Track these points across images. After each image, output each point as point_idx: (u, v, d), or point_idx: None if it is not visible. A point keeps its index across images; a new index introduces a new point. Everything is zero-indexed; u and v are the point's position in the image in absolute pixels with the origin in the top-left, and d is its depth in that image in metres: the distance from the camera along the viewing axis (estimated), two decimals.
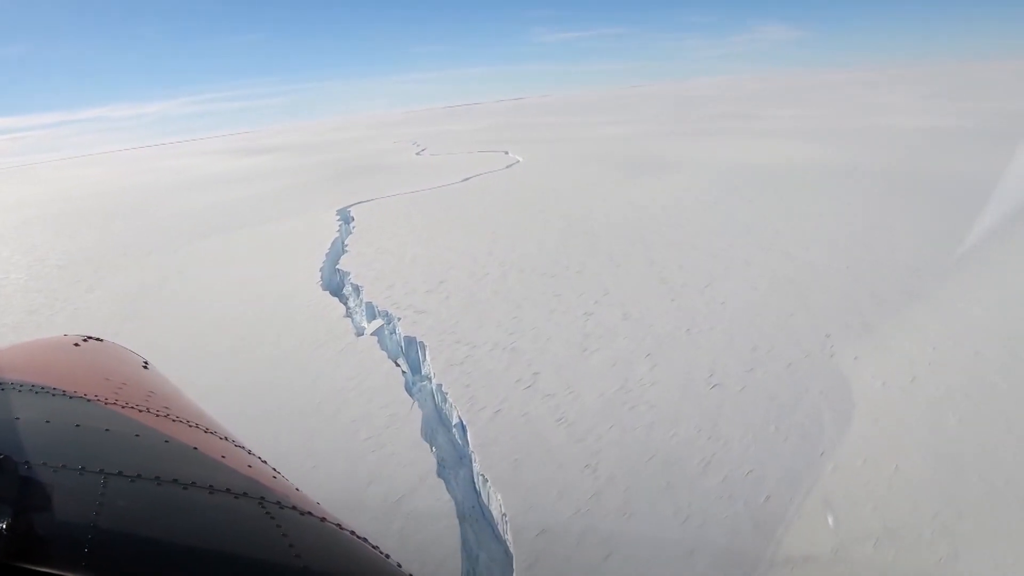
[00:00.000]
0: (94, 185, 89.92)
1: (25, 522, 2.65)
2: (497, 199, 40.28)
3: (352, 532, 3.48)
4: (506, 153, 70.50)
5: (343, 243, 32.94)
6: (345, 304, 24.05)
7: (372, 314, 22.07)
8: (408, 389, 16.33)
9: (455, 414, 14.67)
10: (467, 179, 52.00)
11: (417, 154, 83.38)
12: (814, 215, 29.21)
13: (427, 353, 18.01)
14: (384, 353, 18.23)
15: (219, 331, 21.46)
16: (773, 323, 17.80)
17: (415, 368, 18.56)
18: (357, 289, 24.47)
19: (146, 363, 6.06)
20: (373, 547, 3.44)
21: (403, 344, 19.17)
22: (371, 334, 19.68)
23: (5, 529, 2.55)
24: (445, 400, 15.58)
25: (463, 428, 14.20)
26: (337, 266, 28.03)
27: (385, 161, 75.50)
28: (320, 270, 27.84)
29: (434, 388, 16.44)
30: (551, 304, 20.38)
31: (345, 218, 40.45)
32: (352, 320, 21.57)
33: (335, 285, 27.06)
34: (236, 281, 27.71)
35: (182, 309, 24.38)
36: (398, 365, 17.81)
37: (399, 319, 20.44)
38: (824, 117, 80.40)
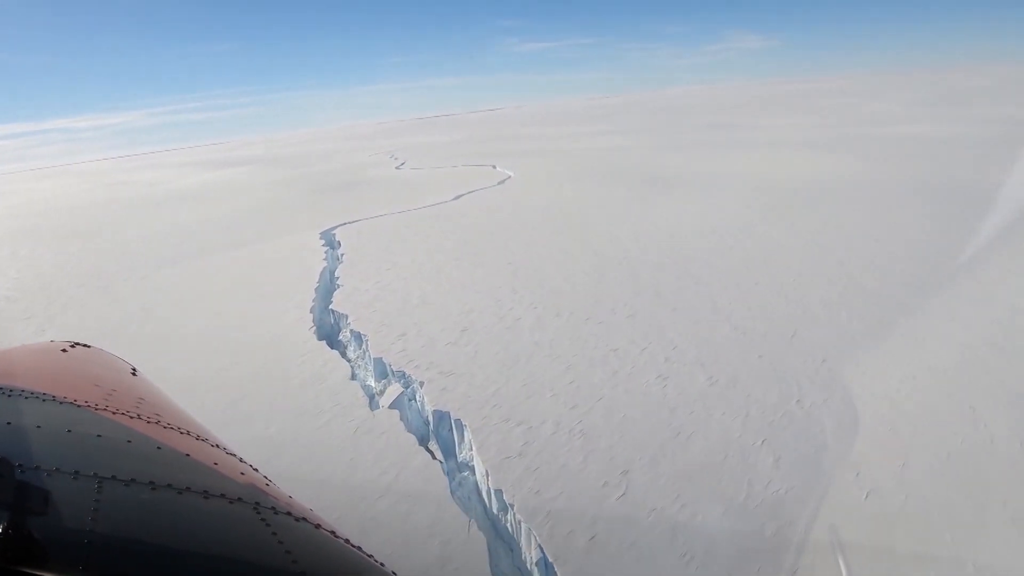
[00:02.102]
0: (55, 200, 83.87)
1: (21, 525, 2.56)
2: (500, 221, 36.39)
3: (346, 540, 3.36)
4: (494, 167, 66.70)
5: (333, 274, 28.69)
6: (344, 354, 19.89)
7: (383, 372, 17.95)
8: (451, 487, 12.35)
9: (531, 543, 10.67)
10: (459, 197, 48.02)
11: (397, 168, 79.06)
12: (871, 239, 26.07)
13: (467, 434, 14.00)
14: (412, 437, 14.10)
15: (192, 396, 17.01)
16: (901, 392, 14.28)
17: (448, 449, 14.54)
18: (359, 338, 20.29)
19: (134, 370, 5.92)
20: (368, 556, 3.31)
21: (431, 420, 15.10)
22: (389, 406, 15.56)
23: (2, 532, 2.46)
24: (507, 510, 11.60)
25: (545, 564, 10.24)
26: (331, 305, 23.76)
27: (364, 176, 70.99)
28: (311, 310, 23.54)
29: (485, 490, 12.45)
30: (611, 362, 16.56)
31: (330, 242, 36.12)
32: (359, 382, 17.42)
33: (329, 329, 22.83)
34: (211, 323, 23.23)
35: (145, 364, 19.72)
36: (431, 453, 13.76)
37: (421, 383, 16.36)
38: (821, 127, 78.68)
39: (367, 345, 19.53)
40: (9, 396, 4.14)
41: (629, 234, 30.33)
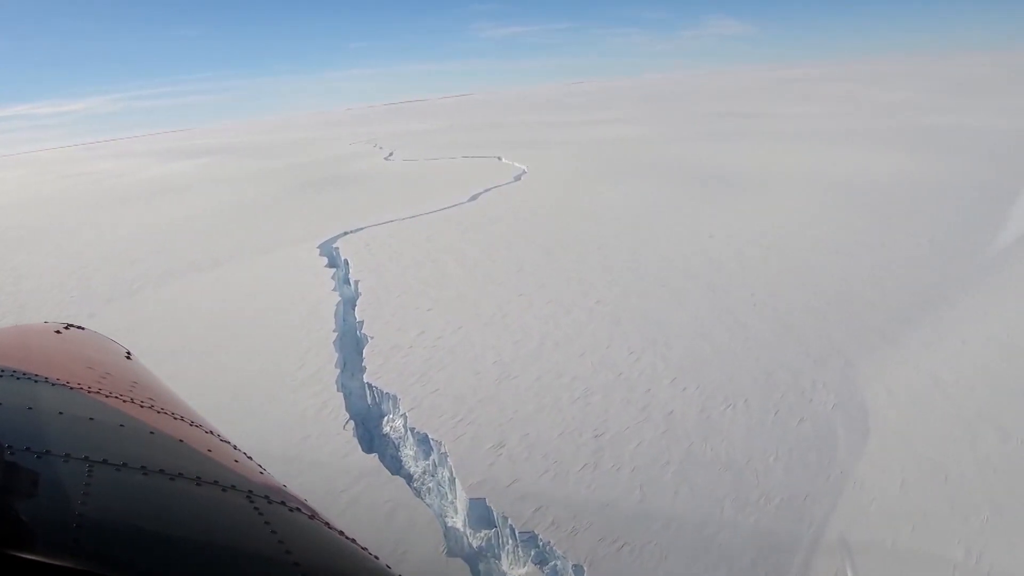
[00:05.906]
0: (7, 195, 75.60)
1: (10, 507, 2.47)
2: (546, 233, 29.39)
3: (341, 532, 3.28)
4: (499, 159, 59.42)
5: (353, 313, 21.52)
6: (407, 475, 13.03)
7: (485, 520, 11.08)
8: None
9: None
10: (476, 197, 40.90)
11: (386, 159, 71.15)
12: None
13: None
14: None
15: None
16: None
17: None
18: (426, 443, 13.33)
19: (129, 353, 5.75)
20: (362, 548, 3.21)
21: None
22: None
23: None
24: None
25: None
26: (364, 375, 16.69)
27: (352, 169, 63.03)
28: (336, 383, 16.43)
29: None
30: (863, 503, 9.97)
31: (334, 260, 28.87)
32: (461, 542, 10.54)
33: (366, 413, 15.83)
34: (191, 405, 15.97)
35: None
36: None
37: (577, 568, 9.55)
38: (842, 116, 72.62)
39: (442, 457, 12.62)
40: (0, 377, 3.99)
41: (728, 252, 23.77)
